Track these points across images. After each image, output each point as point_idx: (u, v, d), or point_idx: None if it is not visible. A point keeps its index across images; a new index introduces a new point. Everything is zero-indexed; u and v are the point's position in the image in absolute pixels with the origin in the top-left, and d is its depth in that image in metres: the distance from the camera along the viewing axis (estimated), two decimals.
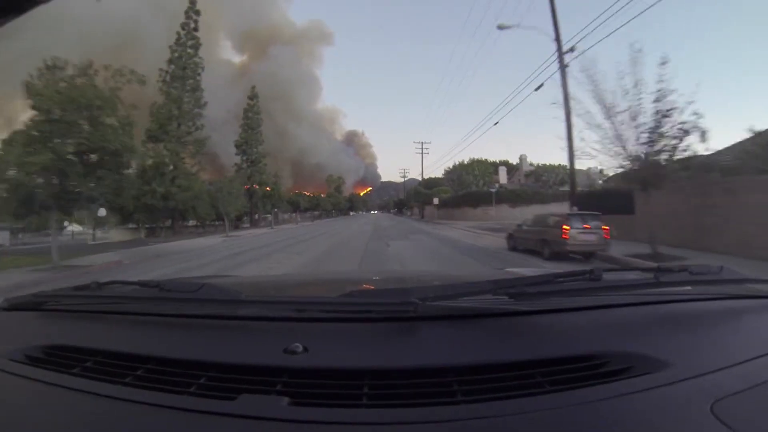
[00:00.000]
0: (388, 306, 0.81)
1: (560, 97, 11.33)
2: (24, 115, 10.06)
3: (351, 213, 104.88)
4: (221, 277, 1.87)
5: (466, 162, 60.66)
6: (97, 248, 16.14)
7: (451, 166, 60.50)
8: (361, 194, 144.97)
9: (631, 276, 1.05)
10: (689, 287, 0.96)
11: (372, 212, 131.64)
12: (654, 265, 0.97)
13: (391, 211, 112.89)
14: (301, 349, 0.68)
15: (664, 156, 8.39)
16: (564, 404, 0.55)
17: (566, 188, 19.81)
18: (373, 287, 1.40)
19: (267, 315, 0.85)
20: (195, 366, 0.68)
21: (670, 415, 0.53)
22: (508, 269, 1.81)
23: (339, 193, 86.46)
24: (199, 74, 26.92)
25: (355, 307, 0.84)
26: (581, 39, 12.08)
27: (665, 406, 0.54)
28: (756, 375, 0.61)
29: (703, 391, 0.57)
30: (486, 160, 63.39)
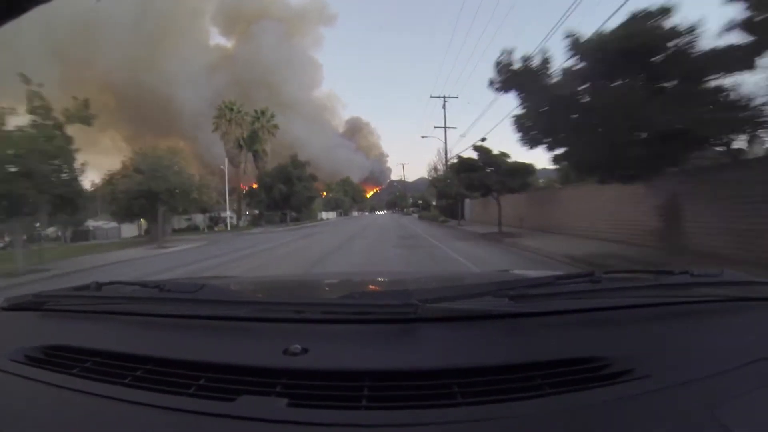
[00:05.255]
0: (389, 307, 0.81)
1: None
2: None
3: (327, 217, 58.80)
4: (221, 277, 1.88)
5: None
6: None
7: None
8: (368, 195, 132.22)
9: (632, 278, 1.04)
10: (690, 289, 0.95)
11: (377, 212, 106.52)
12: (654, 268, 0.96)
13: (407, 210, 73.31)
14: (300, 350, 0.68)
15: None
16: (564, 407, 0.55)
17: None
18: (373, 288, 1.41)
19: (267, 316, 0.85)
20: (194, 367, 0.68)
21: (671, 418, 0.53)
22: (508, 271, 1.80)
23: (302, 170, 36.93)
24: None
25: (355, 309, 0.84)
26: None
27: (666, 409, 0.54)
28: (758, 378, 0.61)
29: (705, 393, 0.56)
30: None
